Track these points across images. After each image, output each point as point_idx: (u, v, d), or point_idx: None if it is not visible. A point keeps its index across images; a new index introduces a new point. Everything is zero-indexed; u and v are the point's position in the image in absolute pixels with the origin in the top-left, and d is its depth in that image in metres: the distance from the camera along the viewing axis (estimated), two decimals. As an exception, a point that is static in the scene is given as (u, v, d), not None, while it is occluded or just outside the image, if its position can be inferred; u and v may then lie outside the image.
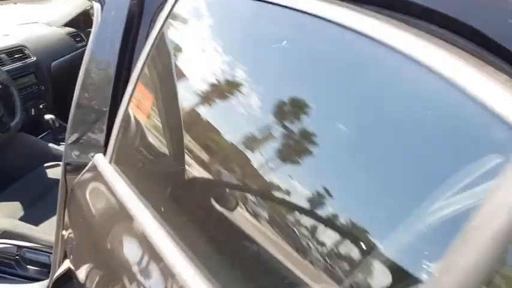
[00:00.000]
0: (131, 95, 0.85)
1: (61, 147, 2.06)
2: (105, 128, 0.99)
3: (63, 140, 2.12)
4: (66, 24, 2.52)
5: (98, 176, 0.88)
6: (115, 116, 0.91)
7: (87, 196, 0.91)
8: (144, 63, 0.83)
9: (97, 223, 0.87)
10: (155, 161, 0.89)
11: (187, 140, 0.78)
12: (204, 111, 0.77)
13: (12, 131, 1.72)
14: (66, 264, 1.00)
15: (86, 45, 2.54)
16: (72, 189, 1.00)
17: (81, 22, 2.55)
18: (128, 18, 0.98)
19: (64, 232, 1.05)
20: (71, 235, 0.98)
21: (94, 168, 0.91)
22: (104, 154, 0.92)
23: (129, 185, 0.78)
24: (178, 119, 0.79)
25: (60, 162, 1.86)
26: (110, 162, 0.88)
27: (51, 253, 1.50)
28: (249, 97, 0.72)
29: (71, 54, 2.37)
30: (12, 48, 2.06)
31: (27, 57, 2.11)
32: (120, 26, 0.97)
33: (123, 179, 0.81)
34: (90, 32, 2.59)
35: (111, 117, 0.97)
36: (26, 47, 2.13)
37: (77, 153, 1.02)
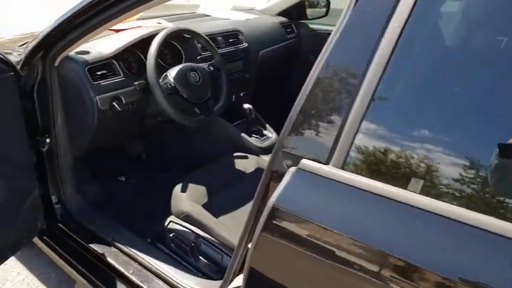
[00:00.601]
0: (372, 96, 0.75)
1: (252, 139, 1.99)
2: (333, 140, 0.78)
3: (255, 132, 2.05)
4: (280, 14, 2.46)
5: (329, 185, 0.77)
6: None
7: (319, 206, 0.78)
8: (388, 61, 0.74)
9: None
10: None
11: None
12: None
13: (214, 115, 1.68)
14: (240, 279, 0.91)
15: (295, 37, 2.44)
16: (276, 205, 0.81)
17: (294, 13, 2.45)
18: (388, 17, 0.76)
19: (251, 246, 0.90)
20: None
21: (314, 177, 0.78)
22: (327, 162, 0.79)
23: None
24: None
25: (249, 155, 1.79)
26: (343, 169, 0.77)
27: (224, 253, 1.40)
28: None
29: (279, 45, 2.28)
30: (228, 32, 2.06)
31: (240, 43, 2.08)
32: (376, 27, 0.77)
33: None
34: (301, 23, 2.50)
35: (343, 128, 0.77)
36: (240, 32, 2.11)
37: (289, 163, 0.84)
